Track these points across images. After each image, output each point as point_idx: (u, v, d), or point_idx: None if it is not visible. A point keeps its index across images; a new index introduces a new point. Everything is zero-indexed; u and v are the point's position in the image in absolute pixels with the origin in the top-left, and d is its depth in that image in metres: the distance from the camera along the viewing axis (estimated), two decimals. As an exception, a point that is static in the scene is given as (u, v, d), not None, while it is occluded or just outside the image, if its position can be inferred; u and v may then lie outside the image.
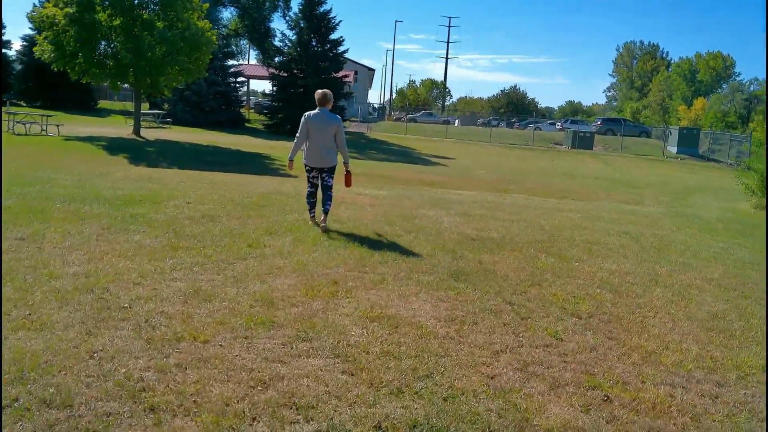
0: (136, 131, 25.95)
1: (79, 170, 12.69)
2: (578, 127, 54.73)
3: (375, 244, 7.03)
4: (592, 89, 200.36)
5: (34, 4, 34.88)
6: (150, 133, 27.85)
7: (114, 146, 21.25)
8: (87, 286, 4.86)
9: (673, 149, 45.03)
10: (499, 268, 6.40)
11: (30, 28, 24.94)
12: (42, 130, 23.06)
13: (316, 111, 7.72)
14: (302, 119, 7.73)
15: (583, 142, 45.12)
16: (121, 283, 5.02)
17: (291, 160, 8.15)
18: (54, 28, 23.09)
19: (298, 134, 7.80)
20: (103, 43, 24.21)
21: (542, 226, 9.70)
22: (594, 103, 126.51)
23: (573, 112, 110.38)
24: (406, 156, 31.51)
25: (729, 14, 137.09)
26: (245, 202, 9.26)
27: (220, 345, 3.98)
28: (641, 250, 8.44)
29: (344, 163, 8.09)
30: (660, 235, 10.16)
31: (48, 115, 24.11)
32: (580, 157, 39.73)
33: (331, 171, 7.88)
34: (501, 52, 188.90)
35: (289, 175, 19.27)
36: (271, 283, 5.26)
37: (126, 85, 27.53)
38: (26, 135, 21.74)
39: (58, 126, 23.23)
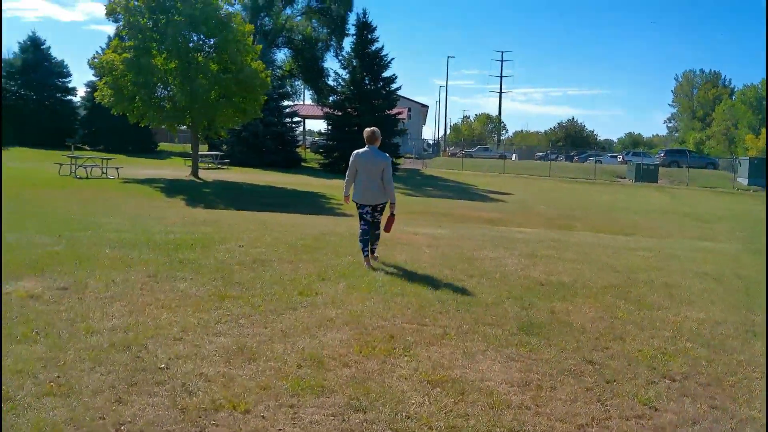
0: (194, 173, 26.23)
1: (134, 213, 12.62)
2: (641, 159, 53.19)
3: (434, 290, 6.49)
4: (651, 121, 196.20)
5: (96, 51, 36.29)
6: (208, 175, 28.13)
7: (172, 188, 21.42)
8: (124, 343, 4.47)
9: (744, 181, 43.06)
10: (575, 318, 5.77)
11: (93, 74, 25.78)
12: (102, 173, 23.50)
13: (365, 149, 7.83)
14: (351, 157, 7.87)
15: (647, 174, 43.65)
16: (161, 338, 4.62)
17: (347, 196, 8.10)
18: (113, 73, 23.68)
19: (348, 172, 7.93)
20: (159, 86, 24.66)
21: (615, 267, 8.97)
22: (654, 134, 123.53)
23: (633, 144, 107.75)
24: (463, 192, 30.94)
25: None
26: (298, 244, 8.88)
27: (262, 416, 3.50)
28: (727, 293, 7.63)
29: (391, 203, 7.92)
30: (744, 276, 9.27)
31: (108, 158, 24.61)
32: (645, 191, 38.33)
33: (382, 209, 7.96)
34: (555, 85, 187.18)
35: (345, 214, 19.02)
36: (322, 338, 4.78)
37: (183, 127, 27.95)
38: (87, 178, 22.13)
39: (117, 168, 23.64)
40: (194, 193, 20.74)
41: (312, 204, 20.29)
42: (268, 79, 26.59)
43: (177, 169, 29.54)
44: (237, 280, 6.42)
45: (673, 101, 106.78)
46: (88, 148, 40.43)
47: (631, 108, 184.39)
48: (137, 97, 24.01)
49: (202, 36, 26.00)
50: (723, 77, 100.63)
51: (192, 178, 25.52)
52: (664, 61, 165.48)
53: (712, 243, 15.41)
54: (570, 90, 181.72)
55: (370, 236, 7.93)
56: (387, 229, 8.09)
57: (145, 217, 11.95)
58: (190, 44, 25.36)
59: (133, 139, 40.24)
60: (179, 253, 7.74)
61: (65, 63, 43.18)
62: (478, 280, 7.12)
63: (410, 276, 7.14)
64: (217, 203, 18.59)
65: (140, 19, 24.12)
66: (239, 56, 24.96)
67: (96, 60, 24.51)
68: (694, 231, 19.71)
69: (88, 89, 40.76)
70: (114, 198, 17.54)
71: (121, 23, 24.66)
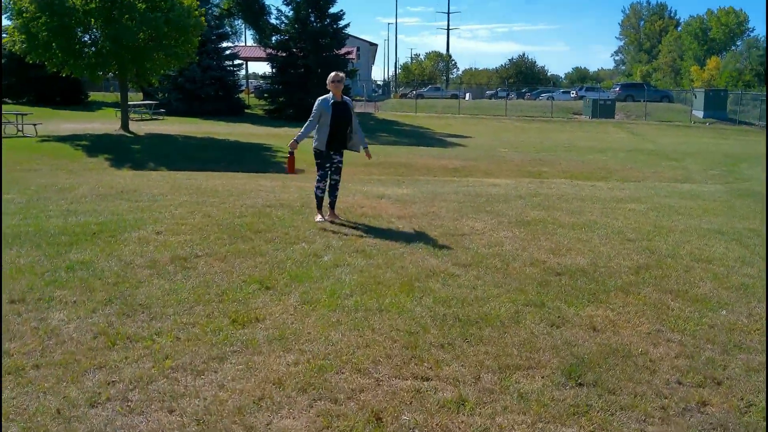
0: (125, 126, 23.59)
1: (39, 183, 10.42)
2: (596, 95, 51.99)
3: (422, 296, 4.72)
4: (594, 54, 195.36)
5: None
6: (141, 127, 25.51)
7: (96, 146, 18.95)
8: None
9: (700, 113, 42.31)
10: (628, 338, 4.06)
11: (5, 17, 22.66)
12: (18, 130, 20.77)
13: (332, 97, 7.37)
14: (317, 103, 7.37)
15: (604, 110, 42.46)
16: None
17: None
18: (23, 15, 20.70)
19: (310, 119, 7.41)
20: (79, 29, 21.74)
21: (622, 232, 7.43)
22: (600, 68, 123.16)
23: (580, 78, 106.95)
24: (420, 137, 29.05)
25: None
26: (235, 225, 6.96)
27: None
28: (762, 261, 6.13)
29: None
30: (755, 229, 7.93)
31: (22, 114, 21.75)
32: (604, 128, 37.14)
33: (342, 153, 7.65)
34: (500, 20, 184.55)
35: (295, 171, 16.89)
36: (263, 430, 2.96)
37: (111, 75, 25.13)
38: (-2, 137, 19.45)
39: (35, 125, 20.91)
40: (121, 150, 18.34)
41: (256, 159, 18.16)
42: (203, 18, 23.85)
43: (107, 122, 26.77)
44: (142, 300, 4.50)
45: (620, 34, 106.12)
46: (9, 101, 36.86)
47: (574, 43, 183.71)
48: (54, 44, 21.11)
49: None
50: (669, 9, 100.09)
51: (122, 132, 22.93)
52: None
53: (693, 185, 14.27)
54: (515, 26, 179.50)
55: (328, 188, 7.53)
56: (290, 168, 8.17)
57: (51, 188, 9.78)
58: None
59: (61, 90, 36.64)
60: (73, 250, 5.76)
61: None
62: (475, 273, 5.37)
63: (385, 270, 5.35)
64: (147, 162, 16.32)
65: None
66: (168, -7, 22.15)
67: (4, 1, 21.34)
68: (666, 171, 18.61)
69: (6, 35, 36.83)
70: (23, 162, 15.12)
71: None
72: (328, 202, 7.63)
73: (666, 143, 28.88)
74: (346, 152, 7.68)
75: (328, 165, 7.46)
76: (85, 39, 22.37)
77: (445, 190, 10.89)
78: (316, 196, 7.55)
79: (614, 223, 8.15)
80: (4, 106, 29.79)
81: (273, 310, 4.36)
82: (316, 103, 7.35)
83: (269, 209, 8.07)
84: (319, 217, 7.44)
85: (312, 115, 7.36)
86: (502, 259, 5.90)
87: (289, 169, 8.08)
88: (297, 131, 7.40)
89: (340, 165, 7.57)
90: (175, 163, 16.20)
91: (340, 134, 7.38)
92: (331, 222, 7.36)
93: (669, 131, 36.36)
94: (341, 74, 7.45)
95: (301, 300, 4.57)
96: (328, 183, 7.56)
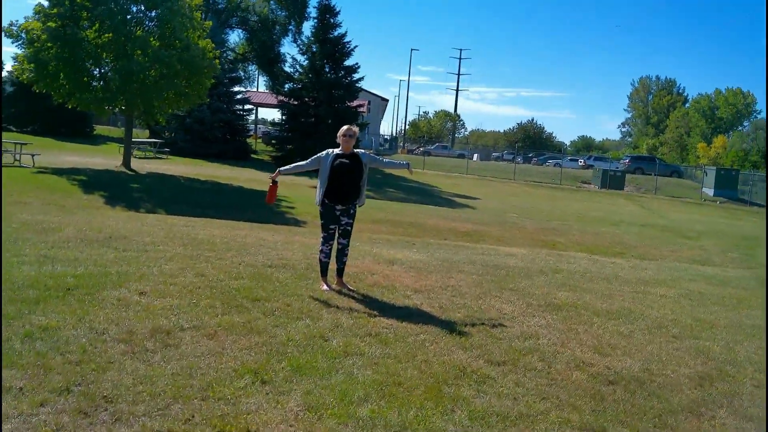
0: (126, 163, 22.87)
1: (23, 220, 9.59)
2: (605, 164, 51.65)
3: (456, 410, 3.82)
4: (600, 124, 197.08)
5: (16, 18, 32.10)
6: (143, 165, 24.81)
7: (94, 181, 18.17)
8: None
9: (710, 191, 41.75)
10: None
11: (15, 45, 22.16)
12: (15, 160, 20.04)
13: (342, 152, 6.60)
14: (323, 155, 6.63)
15: (614, 181, 41.92)
16: None
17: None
18: (35, 44, 20.24)
19: (306, 161, 6.81)
20: (90, 62, 21.23)
21: (663, 324, 6.68)
22: (605, 138, 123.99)
23: (585, 147, 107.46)
24: (428, 195, 28.35)
25: (747, 51, 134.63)
26: (231, 289, 6.09)
27: None
28: None
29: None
30: None
31: (21, 143, 21.06)
32: (614, 199, 36.51)
33: (354, 211, 6.81)
34: (509, 85, 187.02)
35: (297, 221, 16.19)
36: None
37: (116, 110, 24.57)
38: (-7, 166, 18.70)
39: (33, 155, 20.18)
40: (119, 188, 17.55)
41: (259, 207, 17.35)
42: (217, 60, 23.43)
43: (110, 158, 26.09)
44: (108, 390, 3.59)
45: (628, 106, 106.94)
46: (14, 129, 36.36)
47: (580, 111, 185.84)
48: (62, 75, 20.59)
49: (142, 7, 22.69)
50: (678, 85, 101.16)
51: (122, 169, 22.19)
52: (616, 66, 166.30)
53: (717, 269, 13.53)
54: (524, 91, 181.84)
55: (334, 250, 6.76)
56: (270, 198, 7.41)
57: (34, 227, 8.95)
58: (128, 16, 22.01)
59: (67, 121, 36.18)
60: (39, 310, 4.88)
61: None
62: (514, 378, 4.47)
63: (405, 365, 4.46)
64: (145, 203, 15.53)
65: (68, -19, 20.66)
66: (185, 32, 21.75)
67: (14, 28, 20.92)
68: (684, 250, 17.80)
69: (16, 62, 36.59)
70: (14, 193, 14.31)
71: (45, -15, 21.12)
72: (336, 268, 6.79)
73: (678, 219, 28.20)
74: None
75: (333, 227, 6.64)
76: (95, 72, 21.86)
77: (460, 258, 10.08)
78: (320, 262, 6.70)
79: (650, 312, 7.36)
80: (5, 134, 29.22)
81: (269, 418, 3.45)
82: (319, 153, 6.68)
83: (270, 270, 7.22)
84: (324, 286, 6.58)
85: (310, 158, 6.71)
86: (542, 357, 5.02)
87: (267, 199, 7.41)
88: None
89: (348, 228, 6.73)
90: (173, 206, 15.40)
91: (343, 190, 6.55)
92: (339, 292, 6.50)
93: (679, 207, 35.73)
94: (354, 128, 6.70)
95: (304, 404, 3.67)
96: (334, 247, 6.72)
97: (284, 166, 7.31)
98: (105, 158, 26.07)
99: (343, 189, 6.54)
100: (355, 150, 6.70)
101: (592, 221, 23.69)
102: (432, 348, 4.92)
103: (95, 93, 21.30)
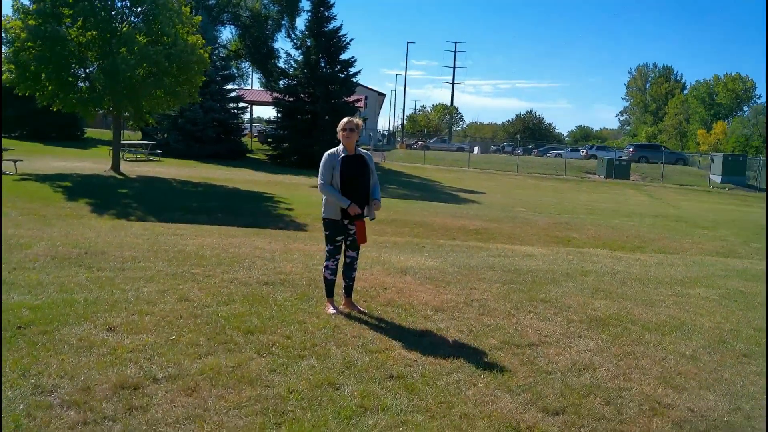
0: (115, 166, 21.78)
1: (-9, 235, 8.57)
2: (607, 154, 50.60)
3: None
4: (596, 114, 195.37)
5: None
6: (134, 168, 23.75)
7: (80, 188, 17.11)
8: None
9: (717, 178, 40.77)
10: None
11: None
12: (-5, 167, 18.98)
13: (344, 150, 5.55)
14: (328, 159, 5.52)
15: (619, 171, 40.89)
16: None
17: (352, 205, 5.46)
18: (14, 44, 19.17)
19: (324, 176, 5.52)
20: (73, 61, 20.14)
21: (724, 339, 5.86)
22: (603, 127, 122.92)
23: (584, 137, 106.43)
24: (431, 191, 27.31)
25: (746, 35, 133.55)
26: (219, 318, 5.08)
27: None
28: None
29: (375, 199, 5.71)
30: None
31: (3, 149, 19.97)
32: (621, 189, 35.51)
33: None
34: (504, 77, 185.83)
35: (296, 223, 15.09)
36: None
37: (102, 111, 23.52)
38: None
39: (15, 162, 19.11)
40: (107, 194, 16.50)
41: (254, 210, 16.31)
42: (207, 55, 22.32)
43: (99, 162, 25.01)
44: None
45: (626, 94, 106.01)
46: (3, 135, 35.23)
47: (578, 101, 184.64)
48: (43, 75, 19.51)
49: (127, 2, 21.57)
50: (675, 72, 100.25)
51: (111, 173, 21.14)
52: (612, 54, 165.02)
53: (746, 262, 12.70)
54: (519, 83, 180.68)
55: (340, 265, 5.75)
56: (363, 238, 5.59)
57: (4, 242, 7.94)
58: (113, 12, 20.91)
59: (57, 125, 34.95)
60: (-26, 359, 3.87)
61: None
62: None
63: (441, 424, 3.46)
64: (133, 210, 14.49)
65: (47, -24, 19.56)
66: (172, 28, 20.65)
67: (-5, 28, 19.78)
68: (704, 242, 16.86)
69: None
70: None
71: (23, -21, 20.00)
72: (343, 286, 5.78)
73: (689, 209, 27.28)
74: None
75: (340, 238, 5.62)
76: (79, 72, 20.78)
77: (477, 263, 9.09)
78: (325, 280, 5.68)
79: (702, 321, 6.46)
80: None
81: None
82: (324, 159, 5.52)
83: (266, 289, 6.21)
84: (331, 309, 5.57)
85: (321, 177, 5.51)
86: (606, 397, 4.01)
87: (360, 238, 5.63)
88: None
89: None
90: (164, 212, 14.36)
91: (355, 198, 5.51)
92: (348, 315, 5.49)
93: (688, 195, 34.78)
94: (356, 120, 5.63)
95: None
96: (342, 261, 5.71)
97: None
98: (94, 162, 25.00)
99: (356, 195, 5.51)
100: (359, 149, 5.68)
101: (603, 213, 22.74)
102: (471, 394, 3.91)
103: (80, 94, 20.25)
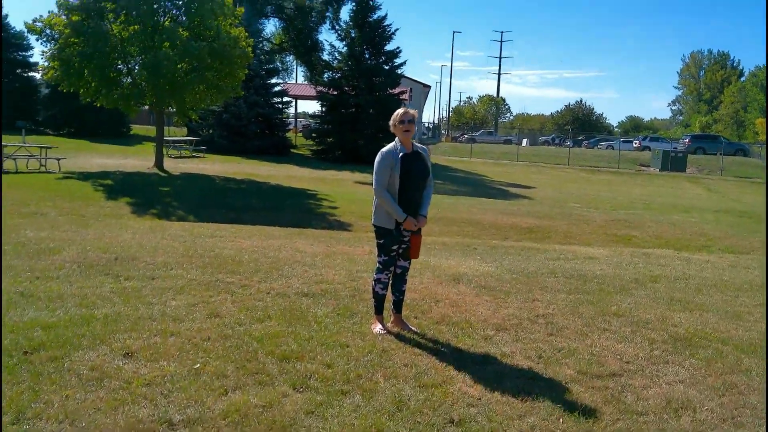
0: (158, 164, 21.55)
1: (22, 238, 8.18)
2: (661, 145, 48.66)
3: None
4: (646, 103, 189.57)
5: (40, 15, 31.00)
6: (177, 165, 23.54)
7: (121, 186, 16.85)
8: None
9: (781, 169, 38.74)
10: None
11: (40, 43, 20.84)
12: (41, 165, 18.91)
13: (400, 146, 4.82)
14: (384, 159, 4.76)
15: (675, 163, 39.15)
16: None
17: (408, 218, 4.78)
18: (58, 40, 19.05)
19: (381, 180, 4.77)
20: (116, 57, 19.92)
21: None
22: (654, 117, 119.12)
23: (634, 128, 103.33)
24: (479, 186, 26.44)
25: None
26: (251, 340, 4.47)
27: None
28: None
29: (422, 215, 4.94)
30: None
31: (47, 147, 19.90)
32: (677, 182, 33.96)
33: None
34: (550, 67, 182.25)
35: (341, 223, 14.45)
36: None
37: (145, 107, 23.32)
38: (16, 172, 17.51)
39: (59, 160, 19.00)
40: (148, 193, 16.19)
41: (297, 208, 15.79)
42: (250, 49, 21.88)
43: (143, 159, 24.91)
44: None
45: (678, 83, 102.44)
46: (51, 132, 35.68)
47: (625, 90, 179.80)
48: (86, 71, 19.34)
49: (170, -4, 21.27)
50: (732, 58, 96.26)
51: (155, 170, 20.91)
52: (661, 40, 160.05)
53: None
54: (566, 72, 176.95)
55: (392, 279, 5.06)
56: (416, 254, 5.01)
57: (31, 247, 7.52)
58: (155, 6, 20.62)
59: (103, 122, 35.13)
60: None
61: (25, 34, 37.73)
62: None
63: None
64: (174, 209, 14.11)
65: (91, -28, 19.35)
66: (215, 20, 20.26)
67: (39, 24, 19.66)
68: (775, 240, 15.64)
69: (45, 62, 35.65)
70: (31, 203, 13.03)
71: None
72: (392, 301, 5.10)
73: (753, 203, 25.76)
74: None
75: (396, 247, 4.94)
76: (121, 68, 20.57)
77: (535, 268, 8.33)
78: (375, 294, 5.00)
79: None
80: (37, 138, 28.31)
81: None
82: (380, 159, 4.77)
83: (305, 302, 5.58)
84: (378, 327, 4.91)
85: (377, 180, 4.78)
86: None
87: (413, 254, 5.02)
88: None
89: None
90: (205, 211, 13.94)
91: (414, 202, 4.84)
92: (398, 336, 4.82)
93: (750, 189, 33.04)
94: (412, 111, 4.87)
95: None
96: (392, 272, 5.04)
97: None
98: (138, 159, 24.90)
99: (415, 198, 4.86)
100: (416, 145, 4.99)
101: (661, 208, 21.59)
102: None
103: (122, 90, 20.04)
